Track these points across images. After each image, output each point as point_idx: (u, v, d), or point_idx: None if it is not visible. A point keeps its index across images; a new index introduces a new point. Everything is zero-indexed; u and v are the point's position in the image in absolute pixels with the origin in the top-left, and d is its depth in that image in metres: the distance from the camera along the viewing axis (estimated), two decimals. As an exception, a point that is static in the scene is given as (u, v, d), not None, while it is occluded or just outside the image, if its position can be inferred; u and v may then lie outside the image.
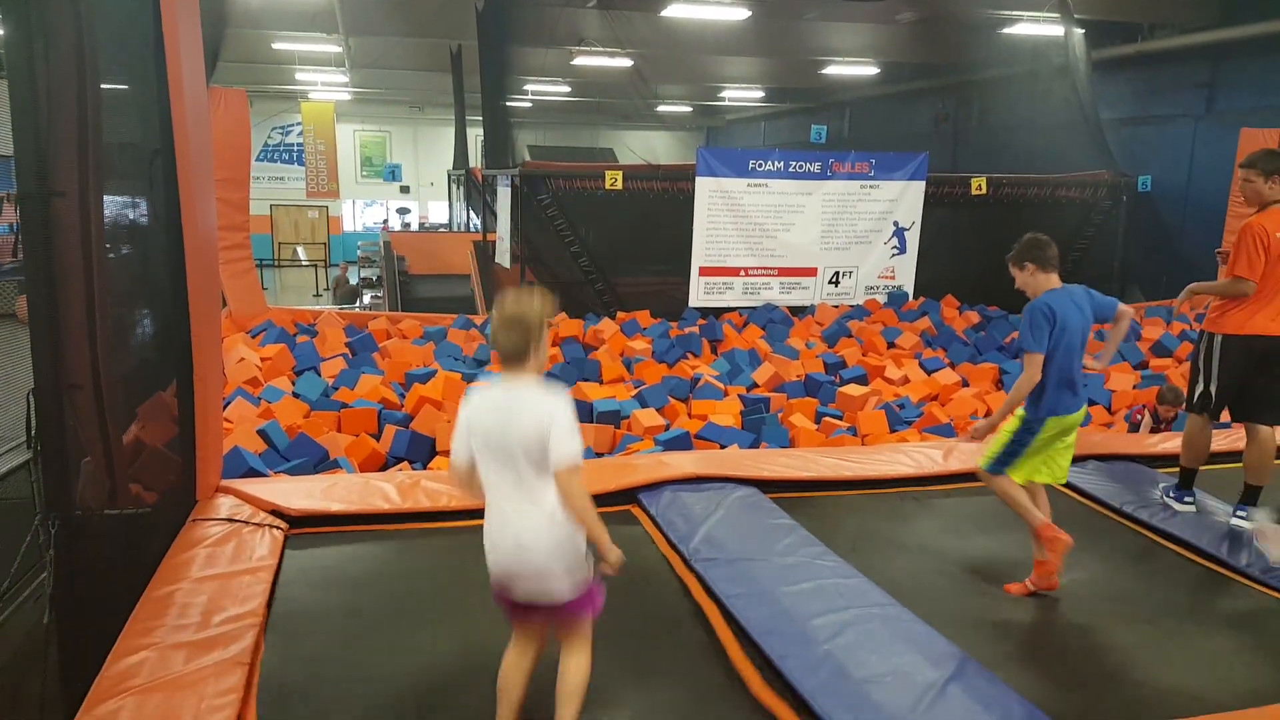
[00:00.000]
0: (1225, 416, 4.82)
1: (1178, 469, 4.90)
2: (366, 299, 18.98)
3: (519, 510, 2.63)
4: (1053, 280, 3.86)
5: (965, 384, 8.78)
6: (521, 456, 2.59)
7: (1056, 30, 13.44)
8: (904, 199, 12.10)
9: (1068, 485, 5.12)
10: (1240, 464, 4.67)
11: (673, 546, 4.25)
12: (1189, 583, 4.17)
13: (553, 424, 2.57)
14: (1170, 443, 5.82)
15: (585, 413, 7.14)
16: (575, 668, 2.78)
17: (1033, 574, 3.94)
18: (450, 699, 3.10)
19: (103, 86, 3.46)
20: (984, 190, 12.52)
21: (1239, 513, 4.57)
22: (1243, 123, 11.13)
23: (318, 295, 21.10)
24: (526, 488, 2.62)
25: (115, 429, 3.57)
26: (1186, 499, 4.80)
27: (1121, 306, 4.02)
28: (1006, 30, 14.10)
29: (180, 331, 4.12)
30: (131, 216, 4.13)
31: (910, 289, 12.31)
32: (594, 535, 2.65)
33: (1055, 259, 3.87)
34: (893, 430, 7.35)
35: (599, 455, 6.50)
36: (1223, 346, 4.59)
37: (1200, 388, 4.68)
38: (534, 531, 2.61)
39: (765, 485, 4.95)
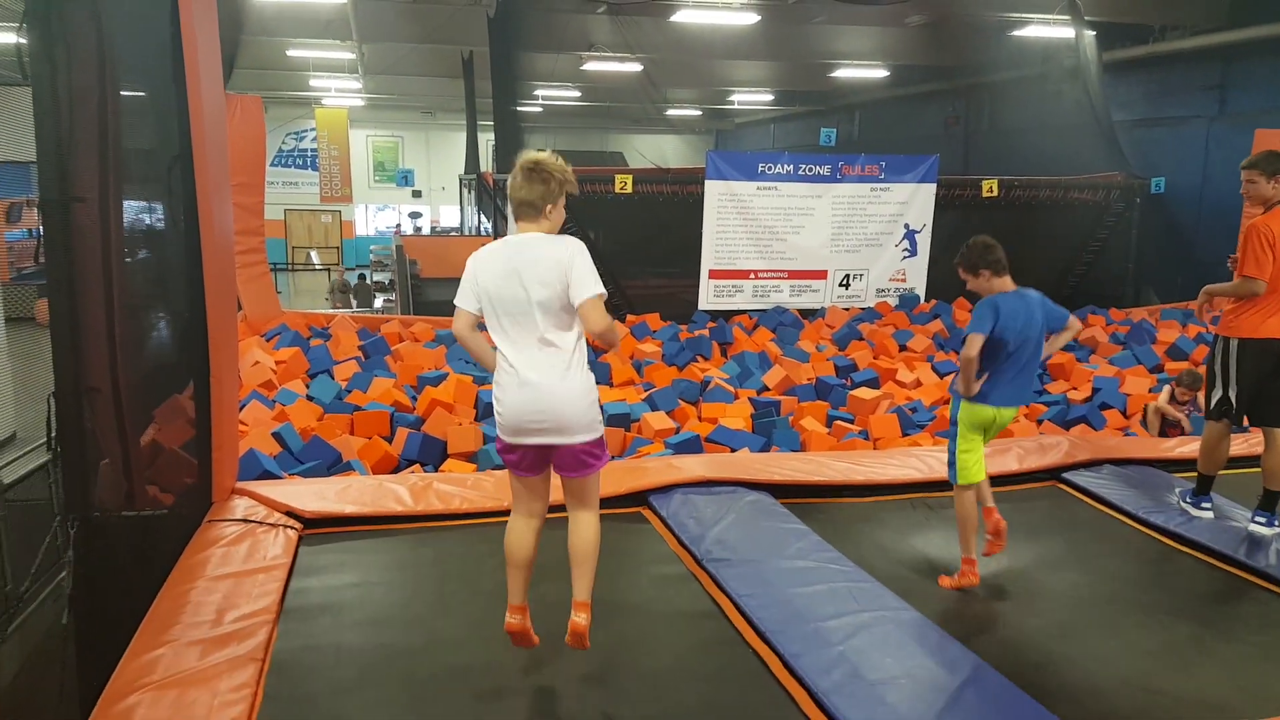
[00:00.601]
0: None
1: (1195, 473, 4.89)
2: (379, 302, 19.03)
3: (536, 355, 2.70)
4: (1006, 283, 3.98)
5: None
6: (536, 303, 2.67)
7: (1067, 32, 13.43)
8: (915, 201, 12.10)
9: (1083, 490, 5.14)
10: (1259, 469, 4.67)
11: (684, 547, 4.28)
12: (1207, 588, 4.15)
13: (572, 264, 2.66)
14: (1186, 447, 5.82)
15: (597, 415, 7.17)
16: (587, 524, 2.88)
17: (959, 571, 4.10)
18: (463, 698, 3.13)
19: (122, 94, 3.51)
20: (995, 192, 12.51)
21: (1258, 518, 4.56)
22: (1256, 123, 11.10)
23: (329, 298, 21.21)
24: (541, 333, 2.69)
25: (133, 431, 3.62)
26: (1204, 504, 4.77)
27: (1071, 319, 4.11)
28: (1017, 32, 14.10)
29: (197, 335, 4.17)
30: (150, 221, 4.19)
31: (922, 291, 12.30)
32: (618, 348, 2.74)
33: (1004, 262, 3.98)
34: (905, 434, 7.35)
35: (610, 458, 6.52)
36: (1239, 350, 4.58)
37: (1219, 393, 4.66)
38: (553, 372, 2.70)
39: (777, 490, 4.97)
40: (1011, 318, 3.88)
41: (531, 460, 2.87)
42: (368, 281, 20.20)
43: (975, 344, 3.87)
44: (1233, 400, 4.61)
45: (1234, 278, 4.59)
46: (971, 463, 4.03)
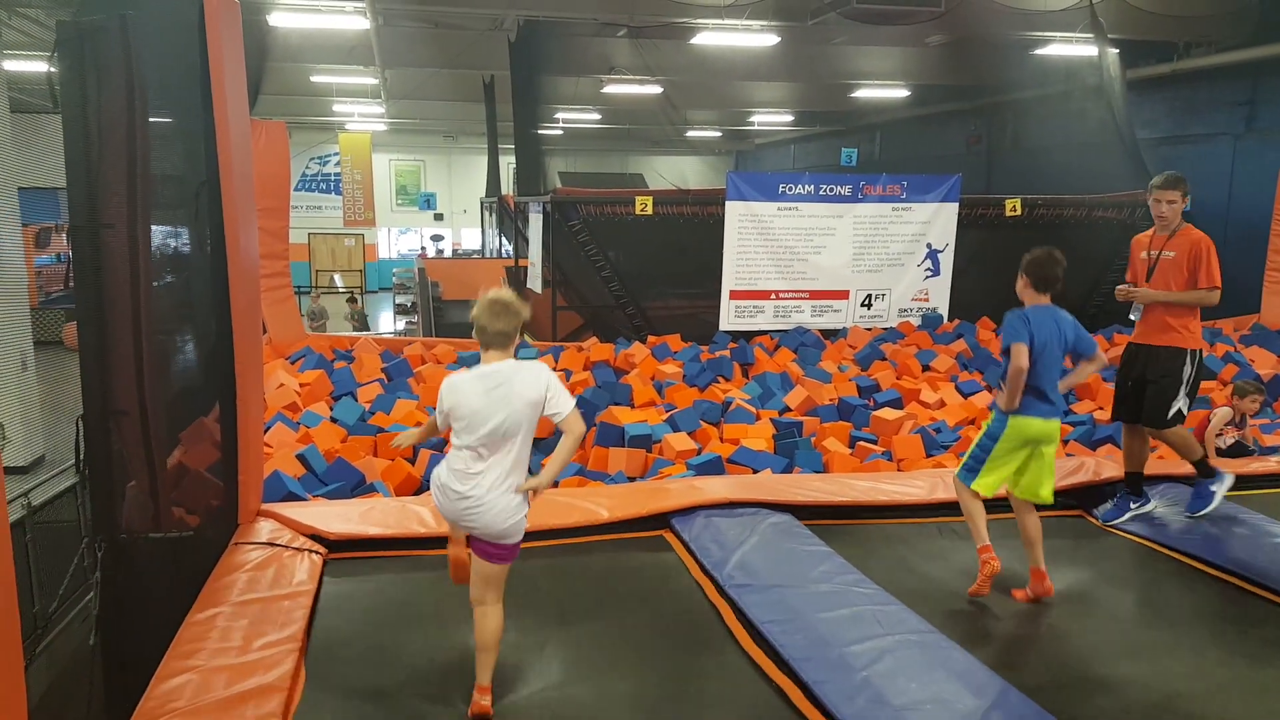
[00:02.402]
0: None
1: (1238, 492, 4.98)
2: (401, 325, 19.11)
3: (498, 480, 3.01)
4: (1041, 299, 4.00)
5: (1001, 407, 8.71)
6: (521, 432, 3.02)
7: (1090, 50, 13.38)
8: (937, 221, 12.06)
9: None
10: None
11: (706, 573, 4.25)
12: (1238, 611, 4.08)
13: (548, 385, 3.05)
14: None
15: (617, 436, 7.16)
16: (490, 621, 3.13)
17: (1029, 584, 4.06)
18: (487, 722, 3.12)
19: (151, 120, 3.56)
20: (1019, 211, 12.45)
21: (1135, 503, 4.96)
22: (1284, 140, 11.01)
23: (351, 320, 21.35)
24: (500, 450, 3.00)
25: (160, 454, 3.65)
26: (1136, 503, 5.03)
27: (1099, 351, 4.11)
28: (1039, 51, 14.06)
29: (223, 358, 4.20)
30: (177, 246, 4.23)
31: (945, 311, 12.24)
32: (555, 467, 3.11)
33: (1052, 282, 3.99)
34: (929, 455, 7.30)
35: (631, 479, 6.51)
36: (1201, 361, 4.84)
37: (1178, 405, 4.80)
38: (504, 491, 3.02)
39: (800, 511, 4.94)
40: (1039, 328, 3.89)
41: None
42: (357, 303, 20.11)
43: (1022, 353, 3.86)
44: (1185, 410, 4.81)
45: (1143, 301, 4.89)
46: (993, 479, 4.00)
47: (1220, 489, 4.84)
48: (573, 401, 3.12)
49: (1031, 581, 4.05)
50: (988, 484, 4.04)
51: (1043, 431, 3.98)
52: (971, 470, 4.08)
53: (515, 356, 3.12)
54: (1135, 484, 5.07)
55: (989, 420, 4.11)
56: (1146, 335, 4.92)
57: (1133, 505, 5.01)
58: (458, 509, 3.07)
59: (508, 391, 2.99)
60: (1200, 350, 4.83)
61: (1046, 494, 4.05)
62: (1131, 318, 5.03)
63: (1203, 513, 4.82)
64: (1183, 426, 4.91)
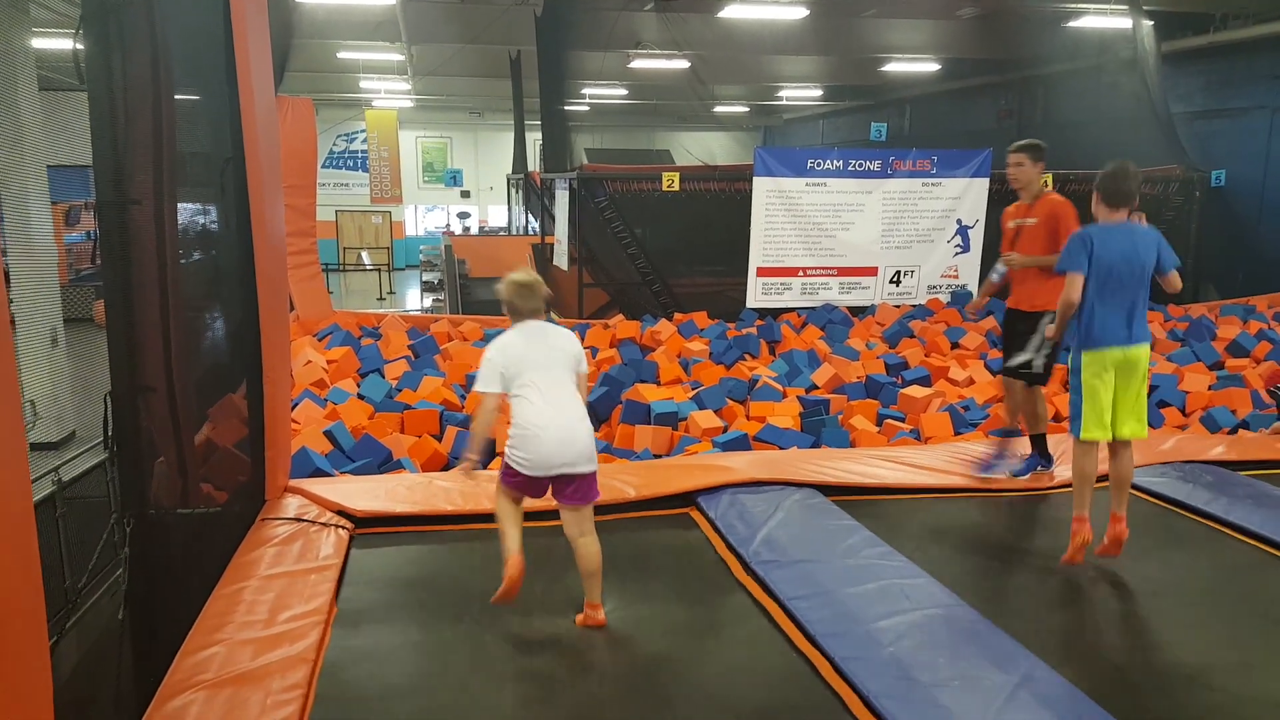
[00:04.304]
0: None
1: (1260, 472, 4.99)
2: (428, 302, 19.17)
3: (565, 402, 3.41)
4: (1115, 215, 3.86)
5: (1031, 385, 8.61)
6: (561, 364, 3.46)
7: (1124, 22, 13.12)
8: (967, 197, 11.91)
9: (1145, 490, 5.00)
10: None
11: (732, 549, 4.24)
12: (1272, 584, 4.02)
13: (578, 344, 3.57)
14: (1244, 448, 5.66)
15: (643, 414, 7.15)
16: (594, 548, 3.50)
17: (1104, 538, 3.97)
18: (513, 702, 3.12)
19: (177, 98, 3.56)
20: (1051, 186, 12.26)
21: (1040, 465, 5.19)
22: (1322, 114, 10.77)
23: (381, 299, 21.44)
24: (564, 386, 3.44)
25: (188, 430, 3.67)
26: (1043, 466, 5.24)
27: (1174, 275, 3.98)
28: (1072, 23, 13.80)
29: (250, 335, 4.22)
30: (204, 223, 4.25)
31: (975, 288, 12.11)
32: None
33: (1127, 196, 3.89)
34: (957, 433, 7.23)
35: (656, 456, 6.50)
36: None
37: (1026, 356, 5.05)
38: (580, 415, 3.44)
39: (827, 489, 4.91)
40: (1105, 248, 3.70)
41: (542, 488, 3.48)
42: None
43: (1076, 284, 3.73)
44: (1038, 366, 5.05)
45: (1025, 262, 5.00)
46: (1093, 416, 3.81)
47: (1048, 470, 5.21)
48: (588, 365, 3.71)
49: (1109, 525, 3.89)
50: (1095, 425, 3.81)
51: (1122, 360, 3.78)
52: (1075, 419, 3.89)
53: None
54: (1041, 446, 5.24)
55: (1069, 356, 3.97)
56: (1020, 301, 5.15)
57: (1039, 467, 5.24)
58: (548, 448, 3.35)
59: (543, 338, 3.49)
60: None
61: (1130, 430, 3.86)
62: (992, 278, 5.30)
63: (1016, 474, 5.18)
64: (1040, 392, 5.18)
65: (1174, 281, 3.94)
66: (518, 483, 3.48)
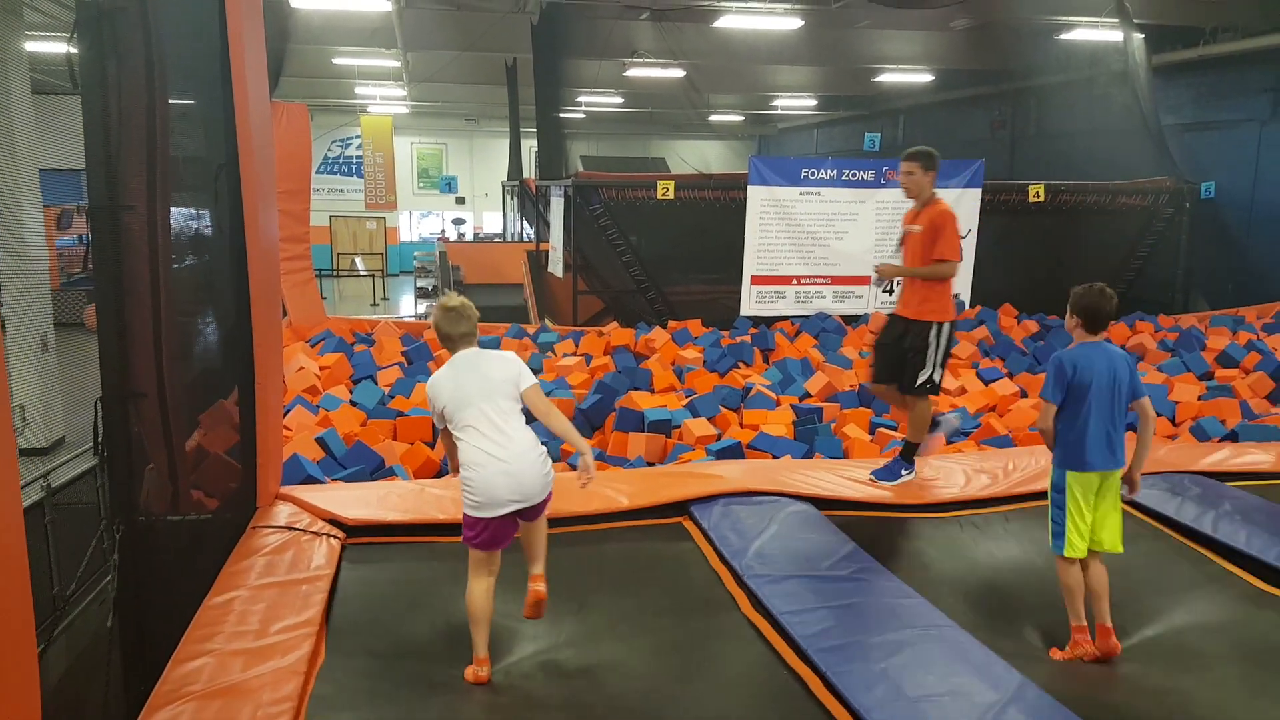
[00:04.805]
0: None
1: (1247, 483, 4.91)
2: (422, 308, 19.16)
3: (511, 434, 3.24)
4: (1091, 339, 3.73)
5: (1024, 394, 8.62)
6: (500, 393, 3.27)
7: (1116, 35, 13.19)
8: (959, 206, 11.87)
9: (1134, 504, 4.97)
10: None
11: (725, 562, 4.22)
12: (1259, 609, 4.01)
13: (516, 363, 3.36)
14: (1241, 458, 5.67)
15: (636, 421, 7.14)
16: (544, 531, 3.42)
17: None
18: (506, 712, 3.11)
19: (171, 102, 3.55)
20: (1042, 197, 12.31)
21: (905, 471, 5.18)
22: (1312, 127, 10.83)
23: (375, 305, 21.41)
24: (509, 416, 3.27)
25: (178, 436, 3.65)
26: (905, 471, 5.21)
27: (1147, 403, 3.77)
28: (1064, 36, 13.88)
29: (242, 341, 4.20)
30: (196, 228, 4.23)
31: (967, 298, 12.13)
32: (570, 438, 3.39)
33: (1105, 320, 3.74)
34: (949, 442, 7.23)
35: (650, 464, 6.50)
36: (950, 332, 5.03)
37: (928, 373, 5.02)
38: (529, 444, 3.27)
39: (820, 502, 4.90)
40: (1088, 371, 3.63)
41: (505, 527, 3.29)
42: None
43: (1048, 414, 3.69)
44: (937, 379, 5.04)
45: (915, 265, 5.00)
46: (1077, 535, 3.72)
47: (907, 477, 5.19)
48: (534, 378, 3.38)
49: (1098, 638, 3.70)
50: (1079, 542, 3.73)
51: (1100, 483, 3.73)
52: (1059, 536, 3.77)
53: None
54: (909, 453, 5.25)
55: (1051, 474, 3.85)
56: (903, 308, 5.17)
57: (904, 473, 5.22)
58: (500, 487, 3.20)
59: (473, 370, 3.32)
60: (949, 322, 5.01)
61: (1109, 543, 3.77)
62: (881, 289, 5.32)
63: (882, 483, 5.16)
64: (930, 400, 5.16)
65: (1146, 408, 3.78)
66: (483, 540, 3.29)
